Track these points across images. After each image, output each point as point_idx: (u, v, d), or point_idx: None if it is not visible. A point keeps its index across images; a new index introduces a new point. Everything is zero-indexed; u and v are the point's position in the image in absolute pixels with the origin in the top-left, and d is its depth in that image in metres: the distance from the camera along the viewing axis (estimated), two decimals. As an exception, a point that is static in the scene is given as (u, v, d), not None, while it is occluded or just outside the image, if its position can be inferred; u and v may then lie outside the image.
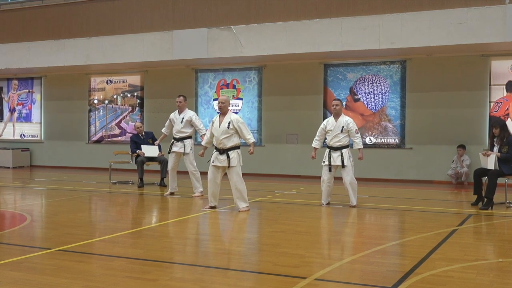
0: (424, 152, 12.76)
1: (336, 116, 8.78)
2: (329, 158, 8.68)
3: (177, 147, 10.03)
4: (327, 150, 8.80)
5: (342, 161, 8.57)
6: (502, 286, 4.42)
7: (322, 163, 8.79)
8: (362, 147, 8.83)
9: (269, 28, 12.70)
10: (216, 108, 14.71)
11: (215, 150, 8.29)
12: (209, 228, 7.35)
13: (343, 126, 8.63)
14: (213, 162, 8.21)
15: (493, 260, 5.40)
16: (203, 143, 8.73)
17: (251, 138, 8.31)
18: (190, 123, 10.02)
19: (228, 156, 8.12)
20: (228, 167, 8.14)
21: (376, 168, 13.14)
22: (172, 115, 10.32)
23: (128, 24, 14.56)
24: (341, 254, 5.69)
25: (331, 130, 8.72)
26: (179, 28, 13.75)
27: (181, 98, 10.19)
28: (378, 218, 8.08)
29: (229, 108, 8.49)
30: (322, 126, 8.93)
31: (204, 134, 9.29)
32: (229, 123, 8.16)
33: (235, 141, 8.23)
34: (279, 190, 11.07)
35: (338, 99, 8.97)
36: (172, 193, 10.08)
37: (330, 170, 8.70)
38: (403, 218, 8.17)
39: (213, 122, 8.40)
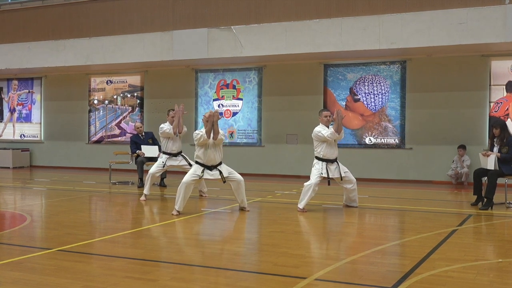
0: (424, 152, 12.76)
1: (327, 127, 8.46)
2: (327, 171, 8.26)
3: (177, 161, 9.93)
4: (323, 163, 8.33)
5: (341, 174, 8.32)
6: (502, 286, 4.42)
7: (320, 175, 8.24)
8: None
9: (269, 28, 12.70)
10: (217, 108, 14.73)
11: (200, 166, 8.09)
12: (209, 228, 7.35)
13: None
14: (201, 173, 8.05)
15: (493, 260, 5.40)
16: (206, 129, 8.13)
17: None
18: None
19: (219, 171, 8.07)
20: (224, 182, 8.11)
21: (376, 168, 13.14)
22: (168, 129, 9.90)
23: (128, 24, 14.56)
24: (341, 254, 5.69)
25: (326, 142, 8.33)
26: (179, 28, 13.76)
27: None
28: (378, 218, 8.08)
29: None
30: (320, 133, 8.32)
31: None
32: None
33: (221, 155, 8.20)
34: (279, 190, 11.07)
35: (329, 110, 8.81)
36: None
37: (329, 184, 8.41)
38: (403, 218, 8.17)
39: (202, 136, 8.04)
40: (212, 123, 8.00)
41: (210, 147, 8.05)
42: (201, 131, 8.08)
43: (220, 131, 8.19)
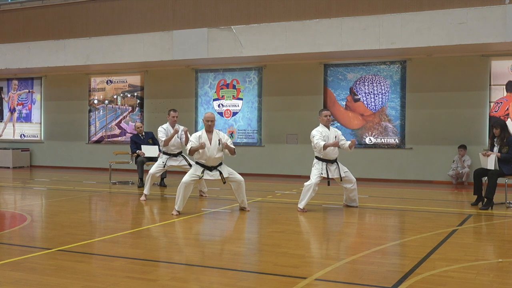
0: (424, 152, 12.76)
1: (327, 127, 8.48)
2: (327, 171, 8.28)
3: (177, 161, 9.93)
4: (323, 163, 8.32)
5: (340, 174, 8.32)
6: (502, 286, 4.42)
7: (320, 175, 8.23)
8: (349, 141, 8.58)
9: (269, 28, 12.71)
10: (217, 108, 14.74)
11: (200, 167, 8.09)
12: (209, 228, 7.35)
13: (335, 136, 8.47)
14: (201, 173, 8.05)
15: (493, 260, 5.40)
16: (193, 146, 8.06)
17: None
18: (180, 137, 10.01)
19: (220, 172, 8.07)
20: (224, 182, 8.11)
21: (376, 168, 13.14)
22: (166, 130, 9.95)
23: (128, 24, 14.57)
24: (341, 254, 5.69)
25: (326, 142, 8.28)
26: (179, 28, 13.76)
27: (177, 112, 10.17)
28: (378, 218, 8.08)
29: None
30: (319, 134, 8.33)
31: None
32: (219, 140, 8.10)
33: (222, 156, 8.20)
34: (279, 190, 11.07)
35: (329, 110, 8.91)
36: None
37: (328, 184, 8.43)
38: (403, 218, 8.17)
39: (199, 137, 8.04)
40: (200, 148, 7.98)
41: (211, 150, 8.02)
42: (194, 141, 8.03)
43: (224, 136, 8.21)
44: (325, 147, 8.19)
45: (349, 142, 8.52)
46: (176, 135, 9.90)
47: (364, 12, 12.03)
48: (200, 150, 7.98)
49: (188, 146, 8.06)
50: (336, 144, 8.25)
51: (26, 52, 15.58)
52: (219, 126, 14.41)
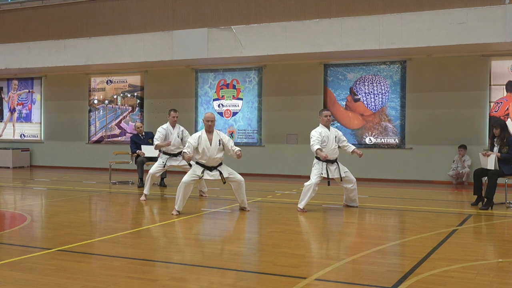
0: (424, 152, 12.76)
1: (327, 127, 8.49)
2: (327, 171, 8.29)
3: (177, 161, 9.92)
4: (323, 163, 8.30)
5: (340, 174, 8.32)
6: (502, 286, 4.42)
7: (320, 175, 8.23)
8: (353, 147, 8.68)
9: (269, 28, 12.70)
10: (217, 108, 14.74)
11: (200, 166, 8.09)
12: (209, 228, 7.35)
13: (335, 136, 8.48)
14: (201, 173, 8.06)
15: (493, 260, 5.40)
16: (189, 151, 8.01)
17: (236, 147, 8.20)
18: (181, 138, 10.03)
19: (220, 172, 8.07)
20: (224, 182, 8.10)
21: (376, 168, 13.14)
22: (165, 130, 9.99)
23: (128, 24, 14.57)
24: (341, 254, 5.69)
25: (326, 142, 8.32)
26: (179, 28, 13.76)
27: (178, 113, 10.21)
28: (378, 218, 8.08)
29: None
30: (318, 134, 8.33)
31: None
32: (220, 140, 8.10)
33: (222, 156, 8.20)
34: (279, 190, 11.07)
35: (329, 110, 8.86)
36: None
37: (329, 184, 8.42)
38: (403, 218, 8.17)
39: (199, 138, 8.04)
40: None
41: (211, 151, 8.02)
42: (192, 142, 8.02)
43: (225, 137, 8.21)
44: (317, 152, 8.22)
45: (353, 148, 8.60)
46: (177, 134, 9.95)
47: (364, 12, 12.03)
48: (200, 150, 7.98)
49: (185, 150, 8.04)
50: (326, 157, 8.21)
51: (26, 52, 15.57)
52: (219, 126, 14.41)
